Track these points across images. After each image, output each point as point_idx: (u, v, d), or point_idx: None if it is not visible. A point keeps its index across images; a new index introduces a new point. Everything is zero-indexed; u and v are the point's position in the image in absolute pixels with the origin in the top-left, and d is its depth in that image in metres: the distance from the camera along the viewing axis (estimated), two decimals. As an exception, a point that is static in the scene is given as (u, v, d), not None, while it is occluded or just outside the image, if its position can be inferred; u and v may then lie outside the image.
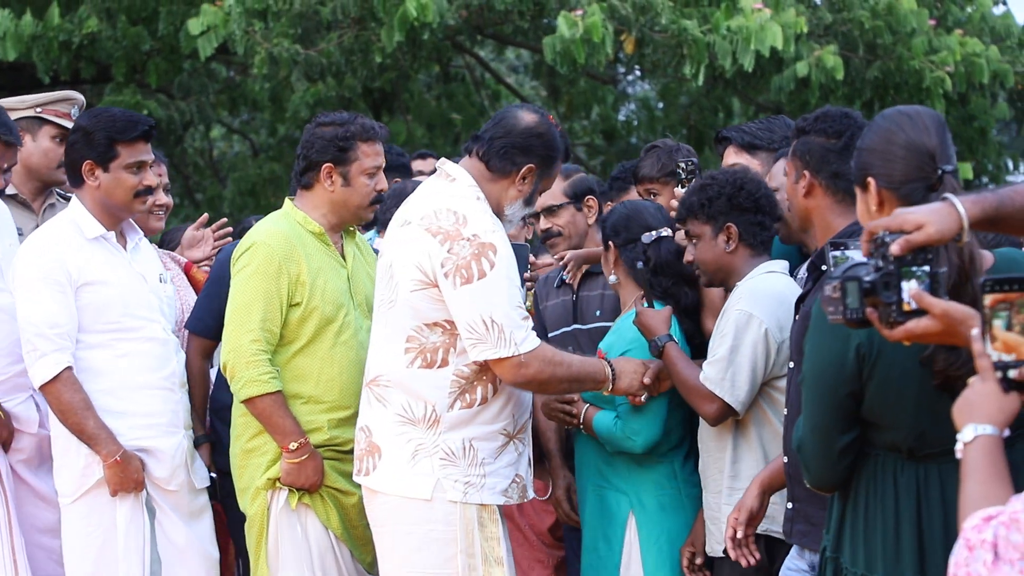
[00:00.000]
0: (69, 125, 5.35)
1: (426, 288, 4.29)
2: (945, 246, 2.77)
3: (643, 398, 4.52)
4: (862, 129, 3.86)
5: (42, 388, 4.76)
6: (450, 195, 4.38)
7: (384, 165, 4.94)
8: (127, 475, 4.76)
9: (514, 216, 4.53)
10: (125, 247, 5.00)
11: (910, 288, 2.68)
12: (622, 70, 14.43)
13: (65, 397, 4.74)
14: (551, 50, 9.61)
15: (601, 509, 4.71)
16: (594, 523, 4.74)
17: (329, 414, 4.77)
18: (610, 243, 4.80)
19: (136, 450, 4.81)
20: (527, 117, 4.50)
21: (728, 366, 4.31)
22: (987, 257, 3.04)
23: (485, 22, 10.88)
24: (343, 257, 4.92)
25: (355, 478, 4.53)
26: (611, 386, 4.48)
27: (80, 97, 6.00)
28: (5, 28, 10.04)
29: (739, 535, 4.11)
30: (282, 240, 4.76)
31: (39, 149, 5.42)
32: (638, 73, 14.57)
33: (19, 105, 5.45)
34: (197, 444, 5.07)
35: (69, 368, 4.75)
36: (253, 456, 4.79)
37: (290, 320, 4.74)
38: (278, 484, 4.73)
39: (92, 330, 4.83)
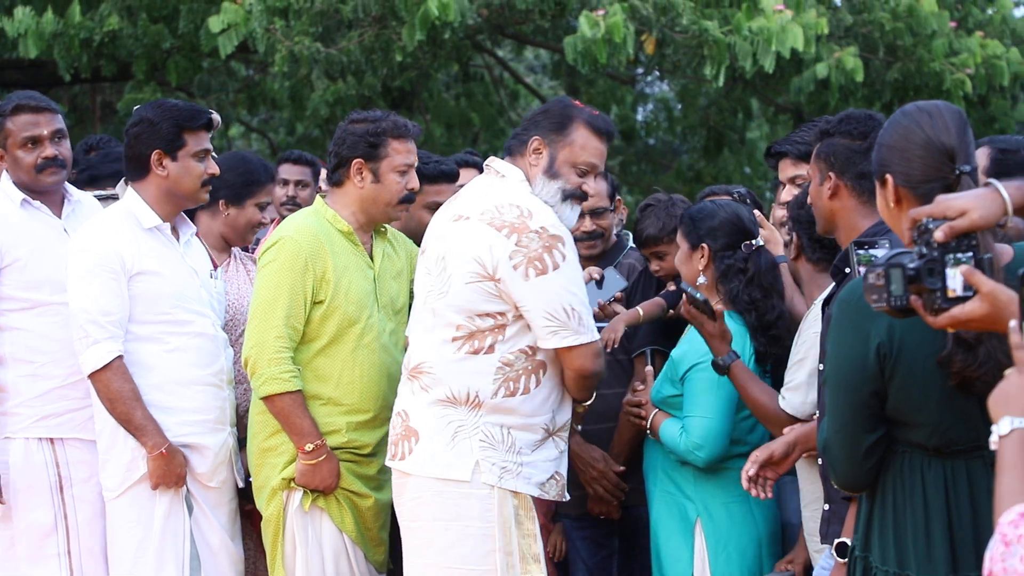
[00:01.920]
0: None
1: (483, 281, 4.31)
2: (988, 232, 2.75)
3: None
4: None
5: (92, 376, 4.77)
6: (507, 190, 4.41)
7: (416, 164, 4.93)
8: (170, 469, 4.77)
9: (549, 197, 4.45)
10: (179, 240, 5.02)
11: (959, 270, 2.66)
12: (641, 71, 14.41)
13: (115, 386, 4.75)
14: (572, 50, 9.61)
15: (669, 514, 4.68)
16: (660, 528, 4.71)
17: (348, 416, 4.76)
18: (704, 245, 4.71)
19: (181, 446, 4.83)
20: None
21: (809, 391, 4.24)
22: (1005, 251, 3.01)
23: (506, 21, 10.87)
24: (371, 258, 4.91)
25: (388, 463, 4.51)
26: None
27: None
28: (27, 26, 10.07)
29: (751, 472, 4.09)
30: (309, 236, 4.76)
31: None
32: (657, 74, 14.55)
33: None
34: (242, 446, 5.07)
35: (120, 357, 4.76)
36: (270, 455, 4.79)
37: (312, 318, 4.74)
38: (293, 484, 4.73)
39: (143, 320, 4.83)
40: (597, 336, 4.41)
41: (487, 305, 4.31)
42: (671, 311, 5.09)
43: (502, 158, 4.56)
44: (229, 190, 5.36)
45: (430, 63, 11.19)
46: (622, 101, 14.92)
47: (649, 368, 4.88)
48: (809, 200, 4.06)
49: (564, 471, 4.52)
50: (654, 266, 5.21)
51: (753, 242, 4.69)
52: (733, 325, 4.61)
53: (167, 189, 4.93)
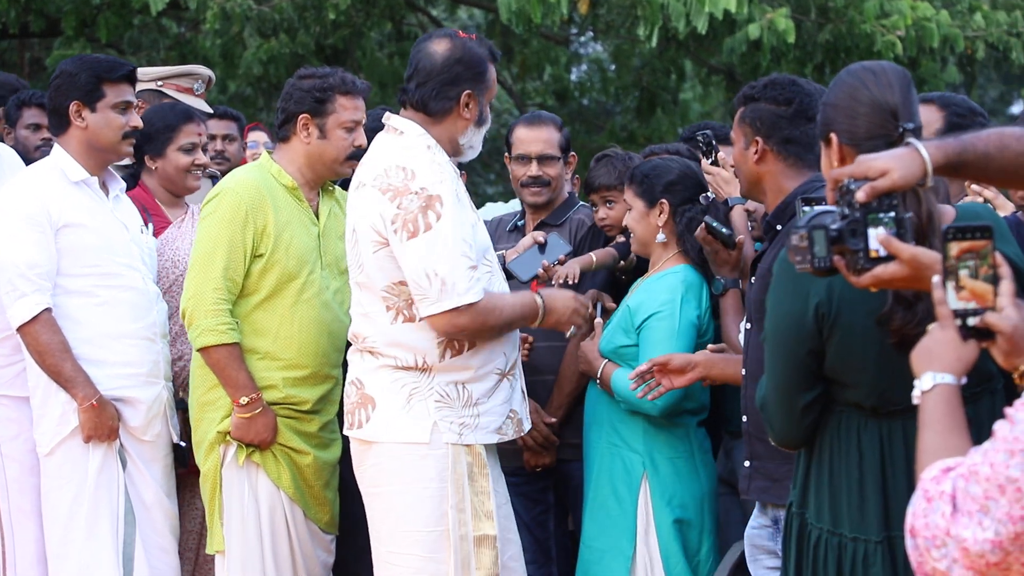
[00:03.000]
0: (189, 100, 5.56)
1: (383, 248, 4.25)
2: (911, 191, 2.79)
3: (569, 333, 4.59)
4: (810, 96, 3.93)
5: (20, 329, 4.74)
6: (401, 149, 4.33)
7: (364, 121, 4.88)
8: (102, 421, 4.75)
9: (475, 141, 4.44)
10: (107, 196, 4.98)
11: (877, 234, 2.70)
12: (575, 31, 14.40)
13: (43, 338, 4.72)
14: (506, 9, 9.60)
15: (612, 467, 4.67)
16: (604, 480, 4.69)
17: (284, 372, 4.74)
18: (664, 201, 4.67)
19: (113, 399, 4.80)
20: (439, 49, 4.37)
21: None
22: (948, 211, 3.05)
23: (440, -20, 10.84)
24: (316, 215, 4.89)
25: (346, 432, 4.47)
26: (540, 320, 4.45)
27: (206, 72, 6.02)
28: (-47, -20, 9.93)
29: (643, 368, 4.33)
30: (251, 189, 4.74)
31: None
32: (591, 34, 14.55)
33: (143, 77, 5.49)
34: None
35: (48, 309, 4.73)
36: (209, 410, 4.77)
37: (252, 271, 4.72)
38: (229, 438, 4.71)
39: (71, 274, 4.79)
40: (464, 300, 4.20)
41: (398, 272, 4.26)
42: (622, 262, 5.12)
43: (399, 112, 4.45)
44: (149, 145, 5.35)
45: (363, 21, 11.13)
46: (556, 61, 14.87)
47: (599, 320, 4.88)
48: (732, 163, 4.10)
49: (519, 406, 4.47)
50: (601, 213, 5.21)
51: (709, 194, 4.69)
52: (695, 279, 4.63)
53: (87, 141, 4.89)
